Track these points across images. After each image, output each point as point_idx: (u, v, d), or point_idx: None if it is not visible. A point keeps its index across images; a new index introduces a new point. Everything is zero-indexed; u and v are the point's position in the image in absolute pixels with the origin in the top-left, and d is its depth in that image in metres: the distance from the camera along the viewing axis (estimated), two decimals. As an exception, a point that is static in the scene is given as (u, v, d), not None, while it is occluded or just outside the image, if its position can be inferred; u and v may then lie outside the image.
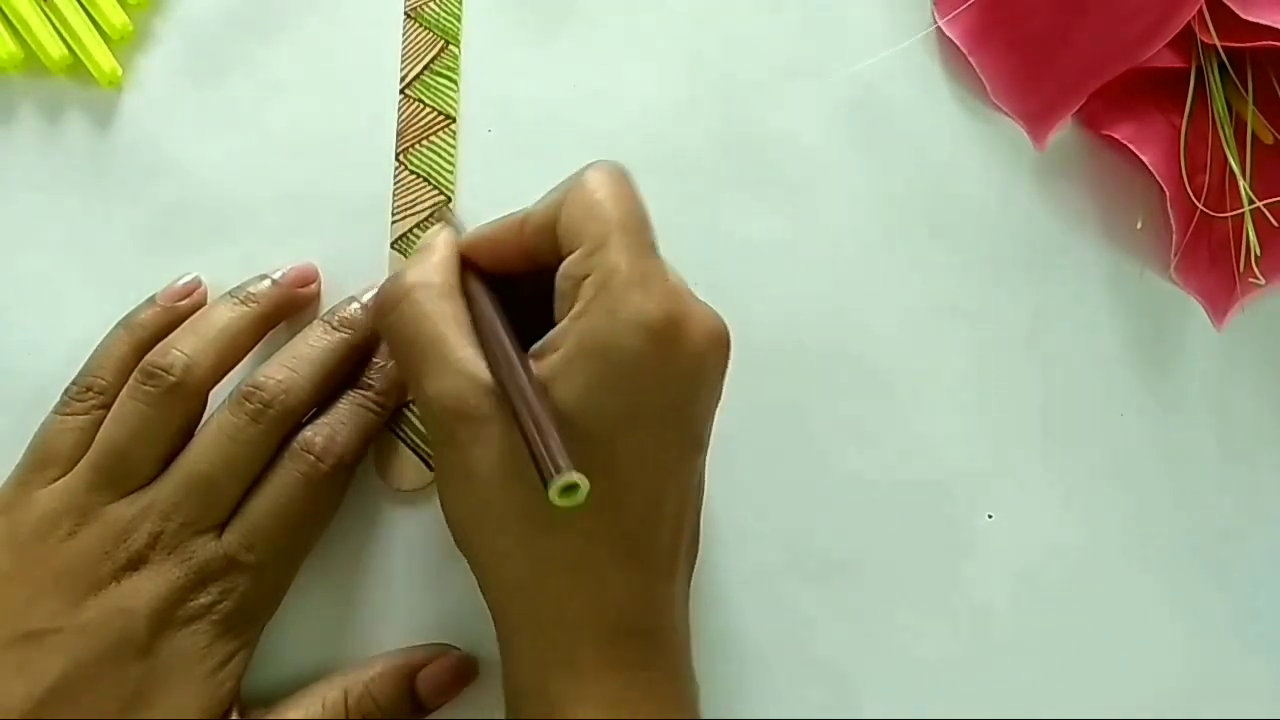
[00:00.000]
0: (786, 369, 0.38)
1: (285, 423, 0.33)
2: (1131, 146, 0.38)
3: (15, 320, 0.36)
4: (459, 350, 0.29)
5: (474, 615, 0.33)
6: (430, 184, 0.37)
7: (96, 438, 0.33)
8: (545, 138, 0.39)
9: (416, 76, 0.38)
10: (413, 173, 0.38)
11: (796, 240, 0.39)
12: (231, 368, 0.34)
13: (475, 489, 0.29)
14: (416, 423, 0.36)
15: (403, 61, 0.39)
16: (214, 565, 0.32)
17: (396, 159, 0.38)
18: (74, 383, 0.34)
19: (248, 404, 0.32)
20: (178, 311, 0.35)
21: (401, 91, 0.38)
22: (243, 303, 0.35)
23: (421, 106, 0.38)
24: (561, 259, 0.29)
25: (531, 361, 0.28)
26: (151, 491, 0.32)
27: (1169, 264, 0.39)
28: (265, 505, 0.32)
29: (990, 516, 0.38)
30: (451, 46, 0.39)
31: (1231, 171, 0.38)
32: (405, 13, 0.39)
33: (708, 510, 0.32)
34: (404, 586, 0.35)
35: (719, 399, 0.31)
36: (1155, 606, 0.38)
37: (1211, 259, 0.40)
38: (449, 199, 0.38)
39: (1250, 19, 0.37)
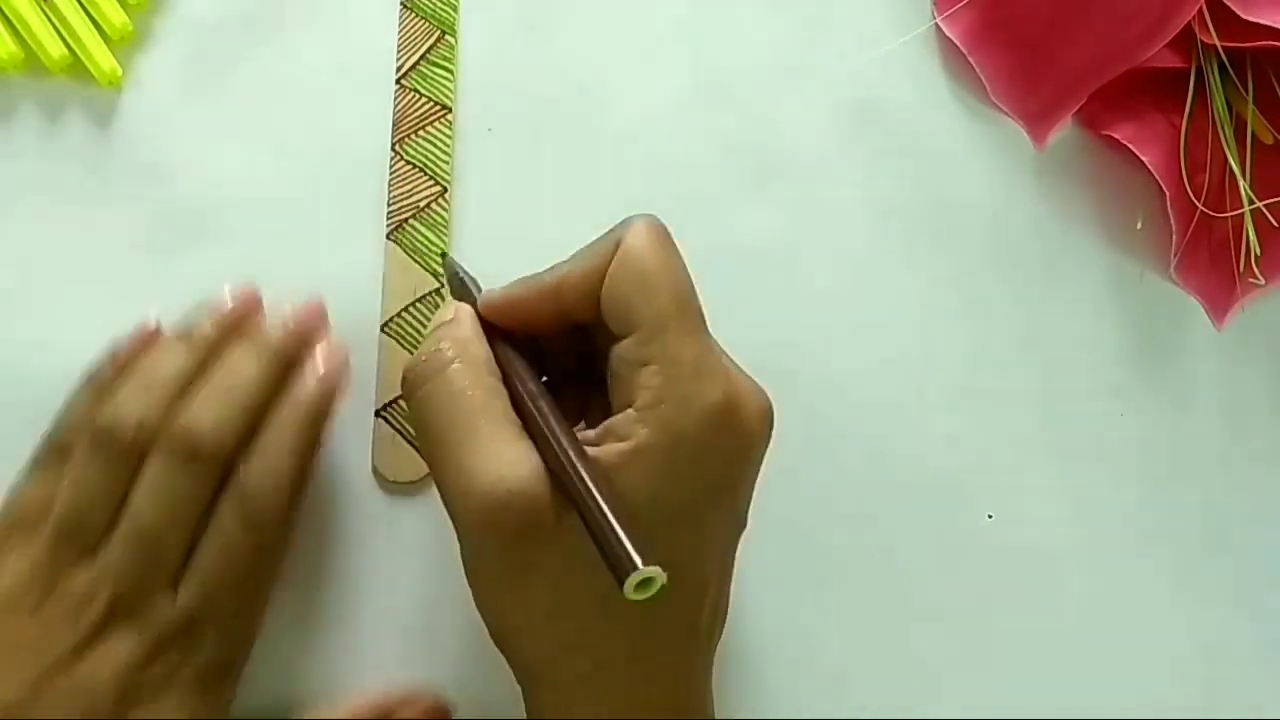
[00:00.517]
0: (786, 369, 0.38)
1: (218, 463, 0.31)
2: (1131, 146, 0.38)
3: (15, 320, 0.36)
4: (511, 433, 0.27)
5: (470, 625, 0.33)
6: (426, 174, 0.37)
7: (56, 502, 0.31)
8: (543, 132, 0.39)
9: (413, 67, 0.38)
10: (409, 163, 0.37)
11: (796, 239, 0.39)
12: None
13: (534, 586, 0.27)
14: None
15: (398, 52, 0.39)
16: (172, 628, 0.30)
17: (393, 149, 0.38)
18: (42, 445, 0.33)
19: (177, 449, 0.31)
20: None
21: (398, 82, 0.38)
22: (186, 346, 0.33)
23: (418, 97, 0.38)
24: (601, 320, 0.28)
25: (587, 445, 0.27)
26: (105, 554, 0.31)
27: (1169, 264, 0.39)
28: (211, 556, 0.31)
29: (990, 516, 0.38)
30: (448, 37, 0.39)
31: (1231, 171, 0.38)
32: (401, 3, 0.39)
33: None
34: (399, 590, 0.35)
35: (759, 472, 0.30)
36: (1156, 606, 0.38)
37: (1211, 259, 0.40)
38: (445, 190, 0.38)
39: (1250, 19, 0.37)
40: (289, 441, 0.32)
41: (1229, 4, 0.37)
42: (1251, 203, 0.38)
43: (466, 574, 0.29)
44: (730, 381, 0.28)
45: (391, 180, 0.38)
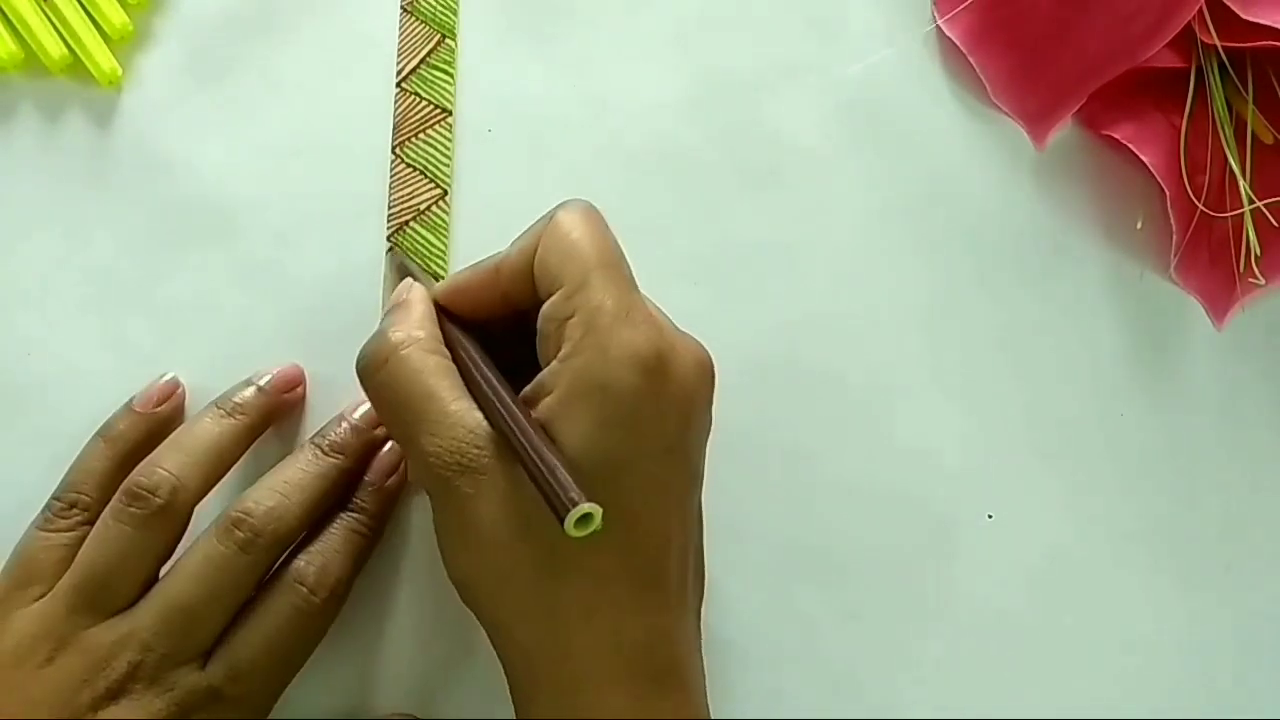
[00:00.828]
0: (786, 369, 0.38)
1: (274, 552, 0.32)
2: (1131, 146, 0.38)
3: (15, 320, 0.36)
4: (453, 403, 0.29)
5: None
6: (427, 177, 0.37)
7: (77, 558, 0.31)
8: (543, 135, 0.39)
9: (413, 70, 0.38)
10: (409, 165, 0.37)
11: (796, 239, 0.39)
12: (217, 483, 0.33)
13: (482, 544, 0.28)
14: None
15: (399, 55, 0.39)
16: (196, 697, 0.30)
17: (393, 152, 0.38)
18: (55, 497, 0.33)
19: (236, 532, 0.31)
20: (157, 418, 0.34)
21: (398, 85, 0.38)
22: (229, 415, 0.34)
23: (418, 100, 0.38)
24: (540, 302, 0.29)
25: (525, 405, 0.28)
26: (132, 618, 0.31)
27: (1169, 264, 0.39)
28: (254, 638, 0.31)
29: (990, 516, 0.38)
30: (448, 40, 0.39)
31: (1231, 171, 0.38)
32: (402, 6, 0.39)
33: (709, 511, 0.32)
34: (398, 595, 0.35)
35: (710, 429, 0.31)
36: (1156, 606, 0.38)
37: (1211, 259, 0.40)
38: (445, 192, 0.38)
39: (1250, 19, 0.37)
40: (350, 550, 0.33)
41: (1229, 4, 0.37)
42: (1251, 203, 0.38)
43: (437, 540, 0.30)
44: (661, 333, 0.28)
45: (392, 183, 0.38)
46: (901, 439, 0.38)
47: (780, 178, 0.39)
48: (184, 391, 0.35)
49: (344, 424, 0.34)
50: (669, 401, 0.28)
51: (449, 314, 0.32)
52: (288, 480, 0.32)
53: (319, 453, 0.33)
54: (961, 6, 0.40)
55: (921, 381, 0.38)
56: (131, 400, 0.35)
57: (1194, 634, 0.38)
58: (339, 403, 0.35)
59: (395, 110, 0.38)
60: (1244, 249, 0.39)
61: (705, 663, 0.31)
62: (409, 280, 0.34)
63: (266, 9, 0.39)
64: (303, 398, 0.36)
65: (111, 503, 0.32)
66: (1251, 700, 0.38)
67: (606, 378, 0.27)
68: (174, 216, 0.37)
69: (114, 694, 0.30)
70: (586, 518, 0.25)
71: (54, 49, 0.37)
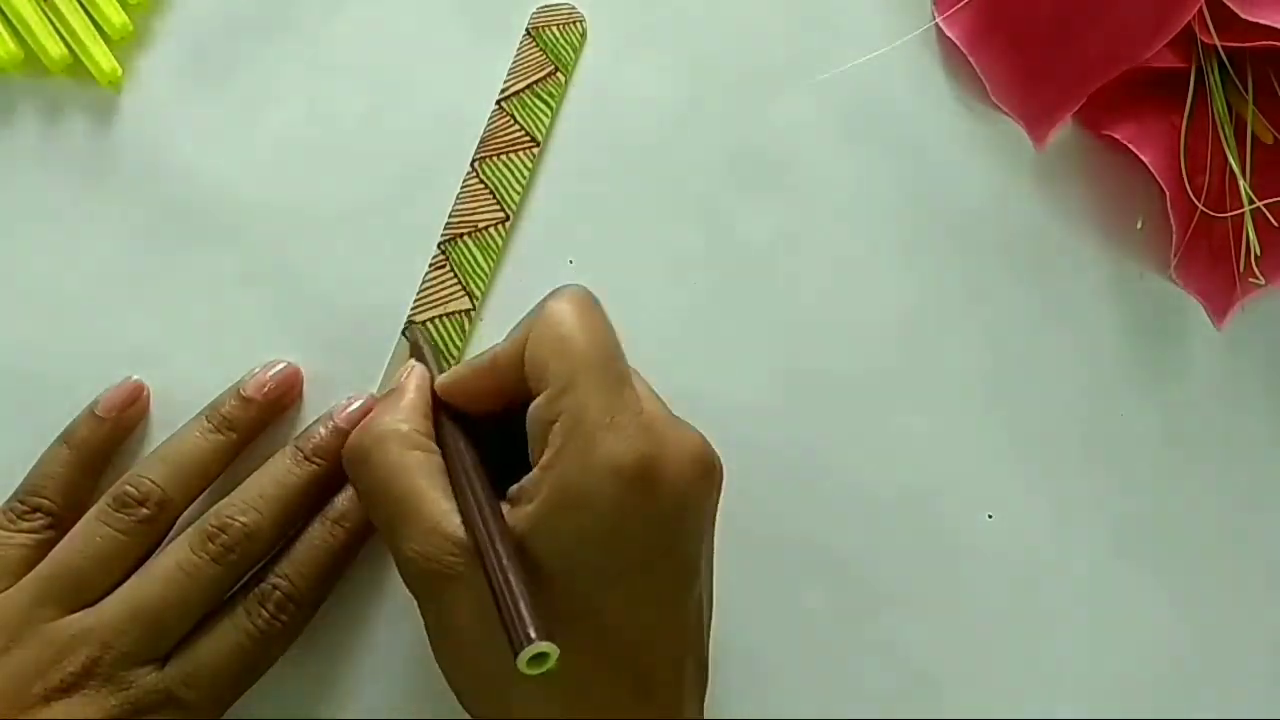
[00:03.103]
0: (785, 369, 0.38)
1: (246, 565, 0.32)
2: (1131, 146, 0.38)
3: (15, 320, 0.36)
4: (431, 506, 0.28)
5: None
6: (495, 198, 0.37)
7: (52, 554, 0.32)
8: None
9: (517, 92, 0.38)
10: (483, 182, 0.37)
11: (795, 239, 0.39)
12: (202, 494, 0.33)
13: (461, 645, 0.28)
14: None
15: (509, 74, 0.39)
16: (151, 698, 0.30)
17: (471, 166, 0.38)
18: (18, 499, 0.33)
19: (211, 544, 0.31)
20: (120, 423, 0.34)
21: (498, 103, 0.38)
22: (216, 430, 0.33)
23: (512, 122, 0.38)
24: (533, 397, 0.28)
25: (507, 507, 0.28)
26: (95, 615, 0.31)
27: (1169, 264, 0.39)
28: (215, 649, 0.31)
29: (990, 516, 0.38)
30: (559, 74, 0.39)
31: (1231, 171, 0.38)
32: (527, 29, 0.39)
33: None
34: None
35: (713, 521, 0.30)
36: (1156, 606, 0.38)
37: (1211, 259, 0.40)
38: (508, 217, 0.37)
39: (1250, 19, 0.37)
40: (325, 563, 0.33)
41: (1229, 4, 0.37)
42: (1251, 203, 0.38)
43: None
44: (648, 437, 0.27)
45: (461, 194, 0.38)
46: (901, 439, 0.38)
47: (779, 177, 0.39)
48: (149, 395, 0.35)
49: (328, 425, 0.34)
50: (656, 510, 0.27)
51: (449, 407, 0.31)
52: (263, 495, 0.32)
53: (299, 458, 0.33)
54: (960, 5, 0.40)
55: (921, 381, 0.38)
56: (94, 404, 0.34)
57: (1194, 634, 0.38)
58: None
59: (486, 125, 0.38)
60: (1244, 249, 0.39)
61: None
62: (411, 363, 0.33)
63: (266, 8, 0.39)
64: (299, 398, 0.36)
65: (98, 505, 0.32)
66: (1252, 700, 0.38)
67: (586, 491, 0.26)
68: (174, 217, 0.37)
69: (67, 688, 0.30)
70: (542, 655, 0.24)
71: (54, 49, 0.37)
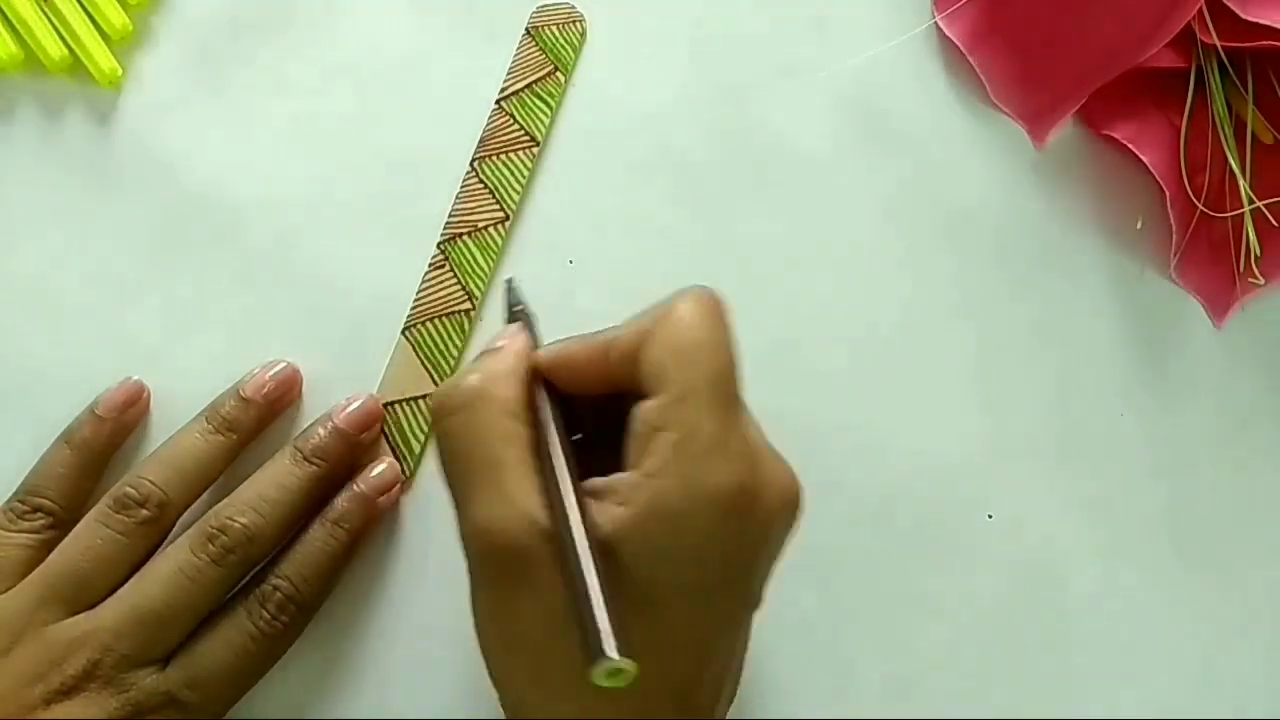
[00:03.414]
0: (786, 369, 0.38)
1: (246, 567, 0.32)
2: (1131, 146, 0.38)
3: (15, 320, 0.36)
4: (517, 481, 0.27)
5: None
6: (495, 198, 0.37)
7: (53, 555, 0.32)
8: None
9: (516, 92, 0.38)
10: (482, 182, 0.37)
11: (795, 239, 0.39)
12: (201, 495, 0.33)
13: (517, 637, 0.27)
14: (401, 418, 0.35)
15: (508, 73, 0.39)
16: (153, 700, 0.30)
17: (470, 166, 0.38)
18: (19, 499, 0.33)
19: (211, 546, 0.31)
20: (121, 423, 0.34)
21: (497, 103, 0.38)
22: (216, 431, 0.33)
23: (511, 121, 0.38)
24: (641, 392, 0.27)
25: (593, 503, 0.27)
26: (95, 618, 0.31)
27: (1169, 264, 0.39)
28: (216, 651, 0.31)
29: (990, 516, 0.38)
30: (559, 74, 0.39)
31: (1231, 171, 0.38)
32: (526, 29, 0.39)
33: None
34: (402, 599, 0.35)
35: (781, 555, 0.29)
36: (1156, 605, 0.38)
37: (1211, 259, 0.40)
38: (508, 217, 0.37)
39: (1250, 19, 0.37)
40: (325, 565, 0.33)
41: (1229, 4, 0.37)
42: (1251, 203, 0.38)
43: (471, 610, 0.29)
44: (751, 466, 0.27)
45: (460, 194, 0.38)
46: (901, 439, 0.38)
47: (780, 177, 0.39)
48: (149, 396, 0.35)
49: (327, 426, 0.34)
50: (742, 539, 0.27)
51: (545, 382, 0.29)
52: (264, 496, 0.32)
53: (299, 459, 0.33)
54: (960, 5, 0.40)
55: (920, 381, 0.38)
56: (95, 403, 0.34)
57: (1194, 633, 0.38)
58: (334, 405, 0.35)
59: (486, 125, 0.38)
60: (1244, 249, 0.39)
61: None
62: (515, 326, 0.31)
63: (266, 9, 0.39)
64: (298, 399, 0.36)
65: (99, 507, 0.32)
66: (1252, 699, 0.38)
67: (686, 511, 0.26)
68: (174, 216, 0.37)
69: (68, 690, 0.30)
70: (619, 671, 0.24)
71: (54, 49, 0.37)
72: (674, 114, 0.40)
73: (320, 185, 0.38)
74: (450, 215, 0.38)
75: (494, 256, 0.37)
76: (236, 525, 0.31)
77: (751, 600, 0.29)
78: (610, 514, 0.26)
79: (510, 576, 0.26)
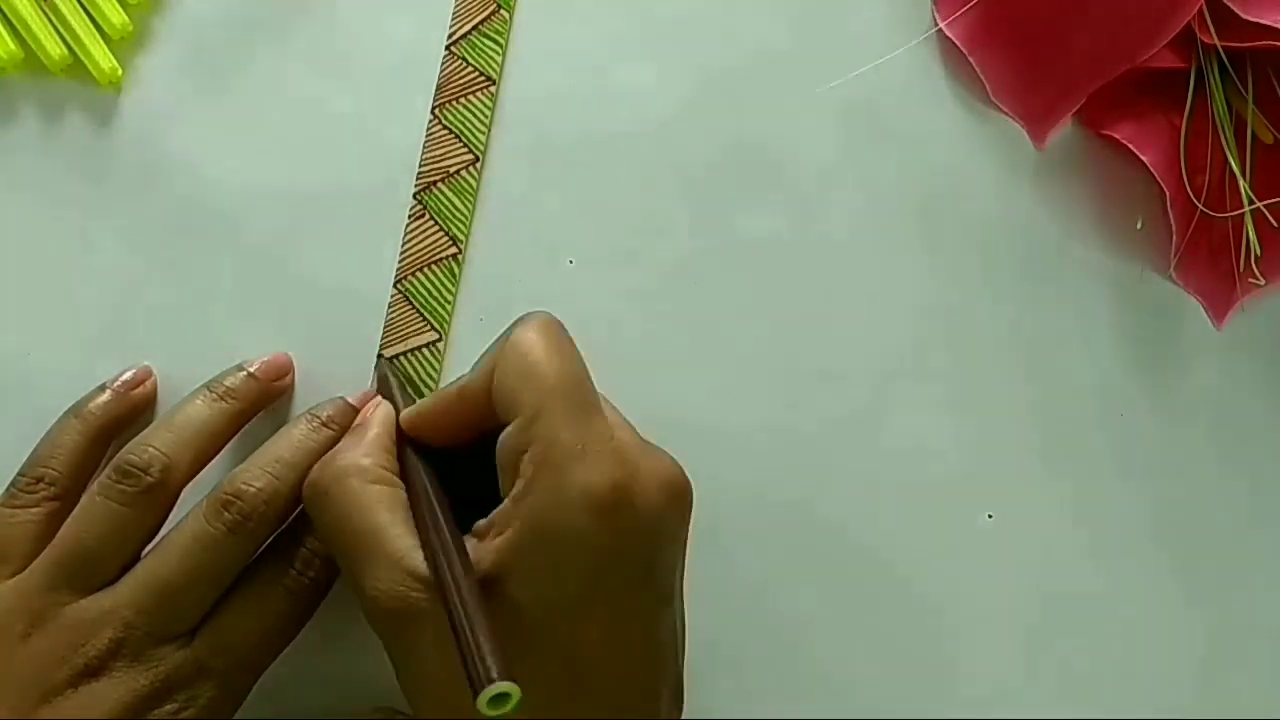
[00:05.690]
0: (785, 368, 0.38)
1: (264, 533, 0.31)
2: (1131, 146, 0.38)
3: (15, 320, 0.36)
4: (394, 542, 0.27)
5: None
6: (461, 141, 0.37)
7: (60, 534, 0.31)
8: (557, 122, 0.39)
9: (464, 35, 0.38)
10: (446, 128, 0.38)
11: (796, 240, 0.39)
12: (206, 464, 0.33)
13: (427, 682, 0.28)
14: (408, 369, 0.36)
15: (453, 18, 0.39)
16: (183, 672, 0.30)
17: (432, 113, 0.38)
18: (22, 472, 0.32)
19: (226, 514, 0.31)
20: (131, 400, 0.34)
21: (447, 48, 0.38)
22: (220, 399, 0.33)
23: (465, 65, 0.38)
24: (503, 425, 0.28)
25: (474, 541, 0.27)
26: (114, 595, 0.30)
27: (1169, 264, 0.39)
28: (243, 617, 0.31)
29: (990, 516, 0.38)
30: (503, 11, 0.39)
31: (1231, 171, 0.38)
32: None
33: (709, 510, 0.32)
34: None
35: (685, 545, 0.29)
36: (1156, 606, 0.38)
37: (1211, 259, 0.40)
38: (477, 158, 0.38)
39: (1250, 19, 0.37)
40: None
41: (1229, 4, 0.37)
42: (1251, 203, 0.38)
43: None
44: (620, 463, 0.27)
45: (426, 142, 0.38)
46: (901, 439, 0.38)
47: (780, 179, 0.39)
48: (156, 379, 0.35)
49: (341, 398, 0.34)
50: (630, 538, 0.27)
51: (415, 441, 0.31)
52: (279, 459, 0.32)
53: (316, 424, 0.33)
54: (963, 9, 0.40)
55: (920, 381, 0.38)
56: (105, 382, 0.34)
57: (1194, 634, 0.38)
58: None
59: (440, 72, 0.38)
60: (1244, 249, 0.39)
61: (701, 662, 0.31)
62: (374, 399, 0.33)
63: (267, 9, 0.39)
64: (290, 386, 0.36)
65: (100, 478, 0.32)
66: (1252, 701, 0.38)
67: (559, 523, 0.26)
68: (174, 216, 0.37)
69: (94, 670, 0.30)
70: (503, 696, 0.23)
71: (54, 49, 0.37)
72: (675, 116, 0.39)
73: (321, 185, 0.38)
74: (420, 164, 0.38)
75: (470, 199, 0.38)
76: (251, 489, 0.31)
77: (662, 603, 0.29)
78: (491, 547, 0.27)
79: (407, 630, 0.27)
